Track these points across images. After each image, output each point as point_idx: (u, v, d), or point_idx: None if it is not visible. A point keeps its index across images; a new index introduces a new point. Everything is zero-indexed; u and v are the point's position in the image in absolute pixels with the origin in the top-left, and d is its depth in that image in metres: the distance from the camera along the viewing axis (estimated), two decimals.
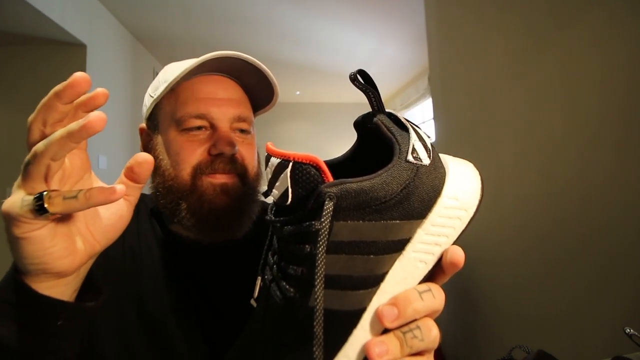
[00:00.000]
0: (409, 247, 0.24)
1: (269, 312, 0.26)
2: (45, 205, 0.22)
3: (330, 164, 0.28)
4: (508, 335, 1.24)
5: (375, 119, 0.26)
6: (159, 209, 0.50)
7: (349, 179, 0.22)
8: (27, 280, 0.26)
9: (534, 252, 1.10)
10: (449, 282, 0.26)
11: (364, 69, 0.25)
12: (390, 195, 0.23)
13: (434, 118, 1.77)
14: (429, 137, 0.27)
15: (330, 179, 0.22)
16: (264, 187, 0.54)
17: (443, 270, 0.25)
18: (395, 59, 3.77)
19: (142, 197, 0.55)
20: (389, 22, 2.92)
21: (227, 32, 3.03)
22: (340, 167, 0.29)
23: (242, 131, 0.50)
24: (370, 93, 0.26)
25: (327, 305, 0.22)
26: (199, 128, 0.46)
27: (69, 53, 2.21)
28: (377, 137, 0.26)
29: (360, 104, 5.55)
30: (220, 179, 0.46)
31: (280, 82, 0.52)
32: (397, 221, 0.23)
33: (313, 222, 0.22)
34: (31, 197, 0.22)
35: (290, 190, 0.23)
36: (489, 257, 1.34)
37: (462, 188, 0.26)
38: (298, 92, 4.92)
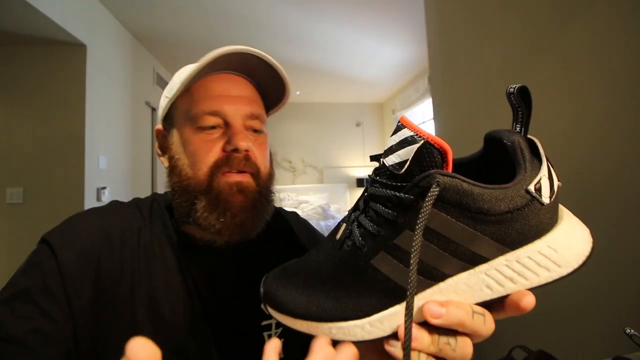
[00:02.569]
0: (483, 267, 0.24)
1: (337, 254, 0.27)
2: None
3: (456, 162, 0.28)
4: (508, 335, 1.24)
5: (513, 138, 0.25)
6: (173, 209, 0.50)
7: (464, 177, 0.22)
8: None
9: None
10: None
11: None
12: (494, 212, 0.23)
13: (434, 118, 1.77)
14: (559, 181, 0.26)
15: (449, 169, 0.23)
16: (276, 187, 0.54)
17: (504, 307, 0.24)
18: (395, 59, 3.77)
19: (155, 196, 0.55)
20: (389, 22, 2.92)
21: (228, 32, 3.03)
22: (459, 167, 0.29)
23: (255, 131, 0.50)
24: (520, 113, 0.25)
25: (386, 272, 0.24)
26: (213, 127, 0.47)
27: (69, 53, 2.21)
28: (507, 154, 0.25)
29: (360, 104, 5.54)
30: (236, 177, 0.46)
31: None
32: (487, 237, 0.23)
33: (413, 198, 0.23)
34: None
35: (409, 162, 0.23)
36: None
37: (567, 245, 0.24)
38: (298, 92, 4.92)
